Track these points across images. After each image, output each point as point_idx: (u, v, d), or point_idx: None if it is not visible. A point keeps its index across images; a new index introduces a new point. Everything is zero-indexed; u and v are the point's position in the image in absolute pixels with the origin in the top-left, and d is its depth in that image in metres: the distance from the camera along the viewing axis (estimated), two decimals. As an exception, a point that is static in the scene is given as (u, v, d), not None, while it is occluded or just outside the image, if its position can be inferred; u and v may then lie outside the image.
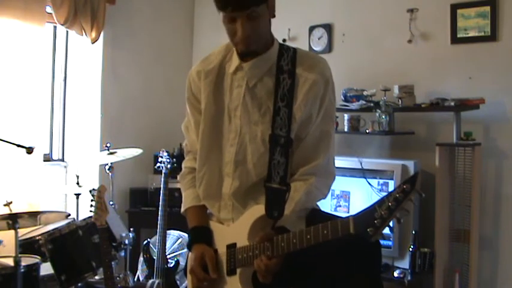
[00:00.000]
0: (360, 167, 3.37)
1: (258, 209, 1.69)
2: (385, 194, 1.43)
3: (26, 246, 2.98)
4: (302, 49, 1.78)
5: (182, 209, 1.91)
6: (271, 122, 1.69)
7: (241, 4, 1.57)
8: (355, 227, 1.41)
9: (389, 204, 1.37)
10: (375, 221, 1.38)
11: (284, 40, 4.15)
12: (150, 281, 3.43)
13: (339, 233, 1.45)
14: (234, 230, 1.75)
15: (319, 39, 4.11)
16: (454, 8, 3.41)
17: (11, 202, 2.90)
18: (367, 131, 3.58)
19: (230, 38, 1.67)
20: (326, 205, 3.31)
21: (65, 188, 4.23)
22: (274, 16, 1.68)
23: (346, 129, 3.69)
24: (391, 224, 1.40)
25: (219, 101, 1.79)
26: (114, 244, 3.25)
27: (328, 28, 4.06)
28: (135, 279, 3.81)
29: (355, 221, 1.42)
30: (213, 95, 1.79)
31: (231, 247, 1.73)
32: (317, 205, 1.80)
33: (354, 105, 3.59)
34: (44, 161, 4.07)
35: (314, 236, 1.49)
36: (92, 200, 2.96)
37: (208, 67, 1.80)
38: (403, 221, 1.40)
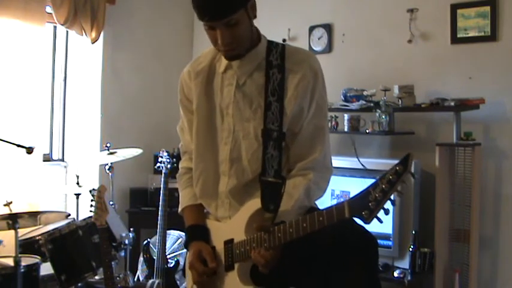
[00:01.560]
0: (360, 166, 3.37)
1: (254, 203, 1.70)
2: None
3: (26, 246, 2.98)
4: (290, 45, 1.80)
5: (179, 209, 1.93)
6: (263, 117, 1.70)
7: (217, 14, 1.59)
8: (350, 210, 1.43)
9: (383, 186, 1.38)
10: (370, 204, 1.39)
11: (284, 40, 4.14)
12: (150, 281, 3.43)
13: (334, 218, 1.46)
14: (231, 225, 1.76)
15: (319, 39, 4.10)
16: (454, 8, 3.41)
17: (11, 202, 2.90)
18: (367, 131, 3.57)
19: (213, 44, 1.70)
20: (326, 205, 3.30)
21: (65, 188, 4.23)
22: (255, 17, 1.69)
23: (346, 129, 3.68)
24: (389, 205, 1.40)
25: (211, 101, 1.80)
26: (114, 244, 3.24)
27: (328, 28, 4.06)
28: (135, 279, 3.81)
29: (350, 205, 1.43)
30: (205, 95, 1.81)
31: (229, 243, 1.74)
32: (315, 204, 1.81)
33: (354, 105, 3.59)
34: (44, 161, 4.07)
35: (310, 223, 1.50)
36: (92, 200, 2.95)
37: (198, 68, 1.83)
38: (394, 206, 1.41)
